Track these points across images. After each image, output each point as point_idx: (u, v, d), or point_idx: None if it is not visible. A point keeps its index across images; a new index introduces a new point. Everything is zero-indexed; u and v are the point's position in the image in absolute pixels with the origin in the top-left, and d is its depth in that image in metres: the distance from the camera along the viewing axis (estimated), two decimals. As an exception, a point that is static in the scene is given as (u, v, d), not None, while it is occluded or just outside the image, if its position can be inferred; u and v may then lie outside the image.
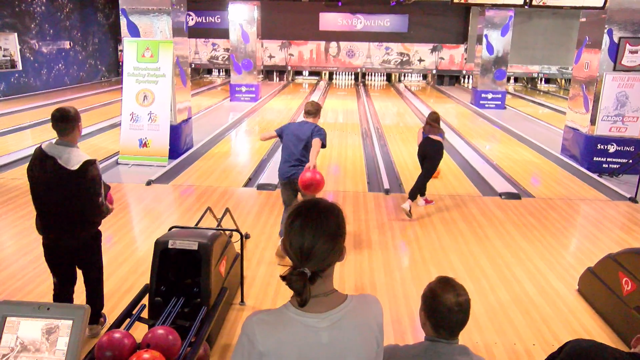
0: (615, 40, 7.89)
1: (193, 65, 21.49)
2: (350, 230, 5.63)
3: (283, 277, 1.46)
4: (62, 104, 8.86)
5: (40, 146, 3.23)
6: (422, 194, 6.49)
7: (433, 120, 6.32)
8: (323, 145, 4.78)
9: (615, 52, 7.92)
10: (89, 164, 3.17)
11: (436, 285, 1.94)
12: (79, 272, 3.52)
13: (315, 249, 1.42)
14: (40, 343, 1.70)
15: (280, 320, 1.47)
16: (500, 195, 6.93)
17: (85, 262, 3.47)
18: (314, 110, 4.94)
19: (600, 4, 8.09)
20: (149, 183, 7.12)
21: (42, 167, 3.15)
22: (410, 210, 5.92)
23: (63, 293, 3.42)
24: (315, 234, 1.43)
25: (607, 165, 8.22)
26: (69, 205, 3.17)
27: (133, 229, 5.69)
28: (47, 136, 9.24)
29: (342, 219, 1.50)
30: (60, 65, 17.41)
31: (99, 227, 3.46)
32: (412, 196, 6.13)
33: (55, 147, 3.18)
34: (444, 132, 6.38)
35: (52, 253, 3.34)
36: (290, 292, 1.47)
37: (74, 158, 3.14)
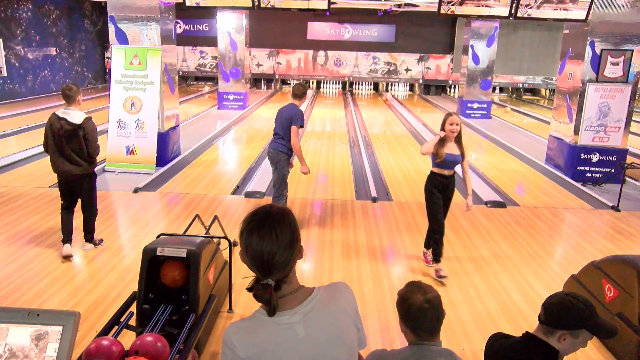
0: (597, 52, 8.05)
1: (181, 73, 21.43)
2: (339, 239, 5.65)
3: (249, 289, 1.48)
4: (48, 110, 8.76)
5: (54, 113, 4.81)
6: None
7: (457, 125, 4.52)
8: (301, 126, 5.67)
9: (597, 63, 8.07)
10: (88, 119, 4.83)
11: (404, 290, 2.01)
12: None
13: (275, 261, 1.42)
14: (29, 349, 1.68)
15: (255, 325, 1.49)
16: (486, 203, 7.00)
17: (86, 191, 5.02)
18: (299, 93, 5.85)
19: (583, 17, 8.26)
20: (136, 191, 7.09)
21: (60, 124, 4.73)
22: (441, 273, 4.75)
23: (67, 211, 5.01)
24: (272, 248, 1.42)
25: (590, 175, 8.34)
26: (79, 146, 4.80)
27: (121, 237, 5.65)
28: (32, 143, 9.17)
29: (294, 223, 1.49)
30: (46, 71, 17.27)
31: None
32: (438, 258, 4.81)
33: (64, 111, 4.79)
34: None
35: (64, 184, 4.96)
36: None
37: (78, 116, 4.79)
